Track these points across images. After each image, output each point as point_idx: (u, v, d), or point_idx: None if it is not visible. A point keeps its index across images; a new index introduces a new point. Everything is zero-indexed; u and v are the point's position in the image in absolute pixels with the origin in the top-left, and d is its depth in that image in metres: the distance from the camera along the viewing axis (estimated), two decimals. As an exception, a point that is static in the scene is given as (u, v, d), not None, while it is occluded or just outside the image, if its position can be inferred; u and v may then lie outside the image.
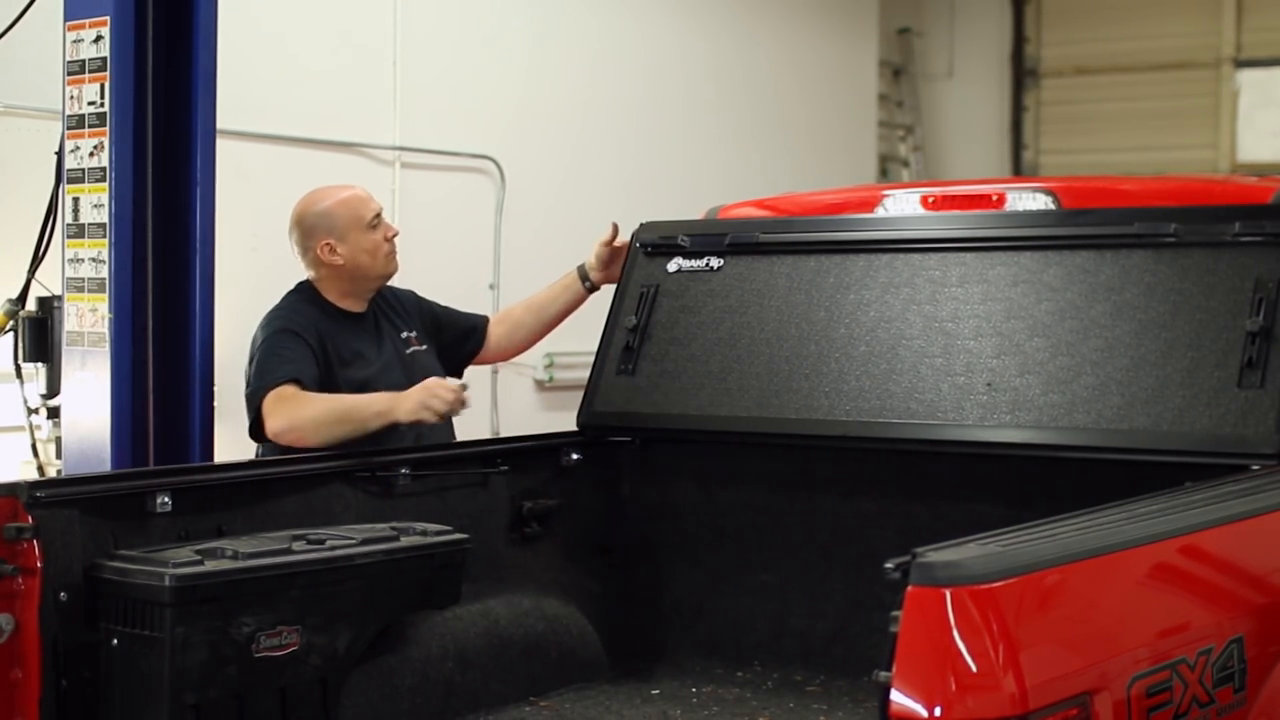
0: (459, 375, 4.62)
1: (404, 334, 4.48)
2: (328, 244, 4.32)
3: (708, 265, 4.36)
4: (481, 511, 4.05)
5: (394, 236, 4.41)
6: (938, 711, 2.23)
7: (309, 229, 4.35)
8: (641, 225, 4.51)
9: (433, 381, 4.08)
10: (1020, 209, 4.22)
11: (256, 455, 4.21)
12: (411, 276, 4.62)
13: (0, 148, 6.21)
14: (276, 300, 4.40)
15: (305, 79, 7.47)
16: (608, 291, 4.60)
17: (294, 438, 4.00)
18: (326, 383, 4.19)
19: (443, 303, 4.72)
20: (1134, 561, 2.66)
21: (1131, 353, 3.68)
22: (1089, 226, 3.90)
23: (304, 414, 4.01)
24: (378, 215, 4.39)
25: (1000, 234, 4.00)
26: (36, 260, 4.56)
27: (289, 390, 4.07)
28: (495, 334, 4.72)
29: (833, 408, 3.99)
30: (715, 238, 4.37)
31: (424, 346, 4.51)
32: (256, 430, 4.11)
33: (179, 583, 3.11)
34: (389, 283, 4.52)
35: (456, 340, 4.66)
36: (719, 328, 4.25)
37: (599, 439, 4.38)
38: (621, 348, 4.36)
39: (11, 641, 3.10)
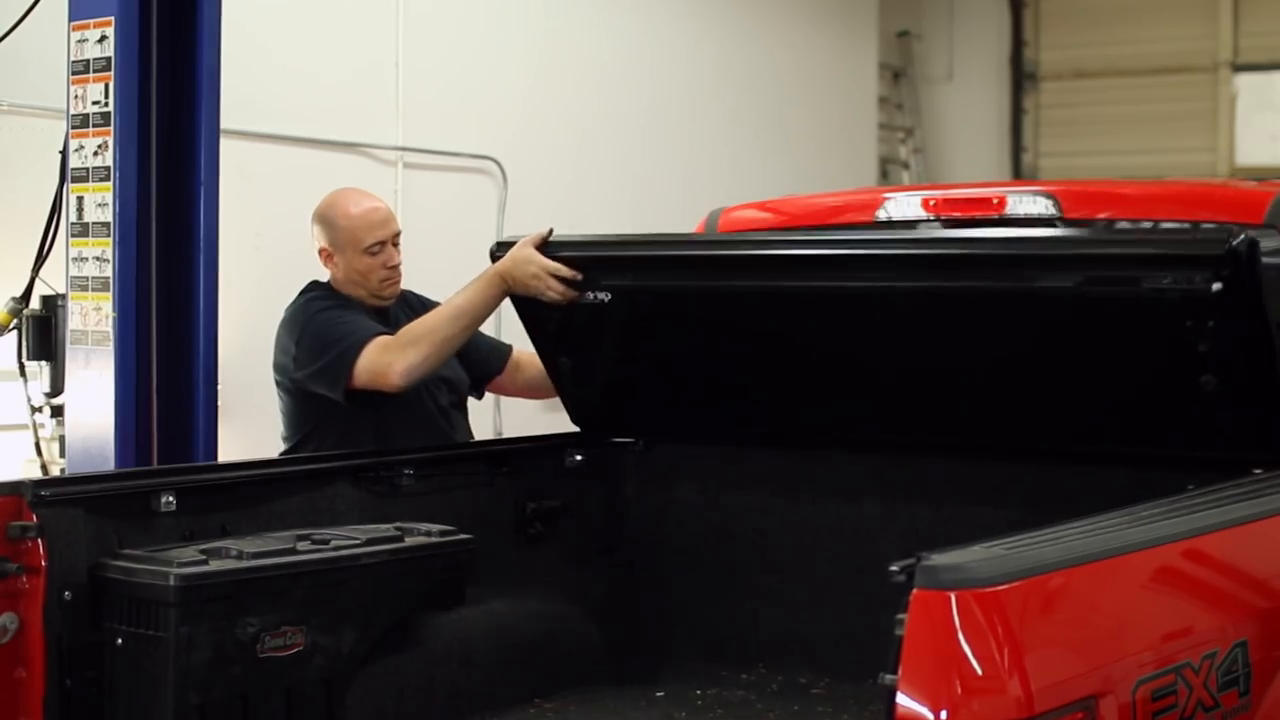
0: (478, 396, 4.63)
1: None
2: (325, 250, 4.35)
3: (596, 299, 4.06)
4: (485, 512, 4.05)
5: (393, 265, 4.34)
6: (944, 715, 2.23)
7: (317, 230, 4.38)
8: (497, 245, 4.20)
9: (547, 263, 3.99)
10: (1020, 213, 4.23)
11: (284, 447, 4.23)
12: (414, 278, 4.62)
13: (4, 147, 6.22)
14: (279, 299, 4.40)
15: (308, 79, 7.48)
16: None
17: (421, 371, 4.06)
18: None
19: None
20: (1138, 565, 2.66)
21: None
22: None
23: (423, 338, 4.03)
24: (380, 243, 4.32)
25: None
26: (40, 259, 4.56)
27: (384, 339, 4.10)
28: (515, 375, 4.66)
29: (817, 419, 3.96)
30: (593, 275, 4.03)
31: None
32: (347, 392, 4.11)
33: (183, 582, 3.11)
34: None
35: (476, 360, 4.60)
36: (643, 357, 4.15)
37: (602, 439, 4.39)
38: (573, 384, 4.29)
39: (16, 640, 3.10)
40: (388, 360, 4.06)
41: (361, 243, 4.30)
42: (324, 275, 4.45)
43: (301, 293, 4.38)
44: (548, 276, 3.99)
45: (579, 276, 3.99)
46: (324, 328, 4.19)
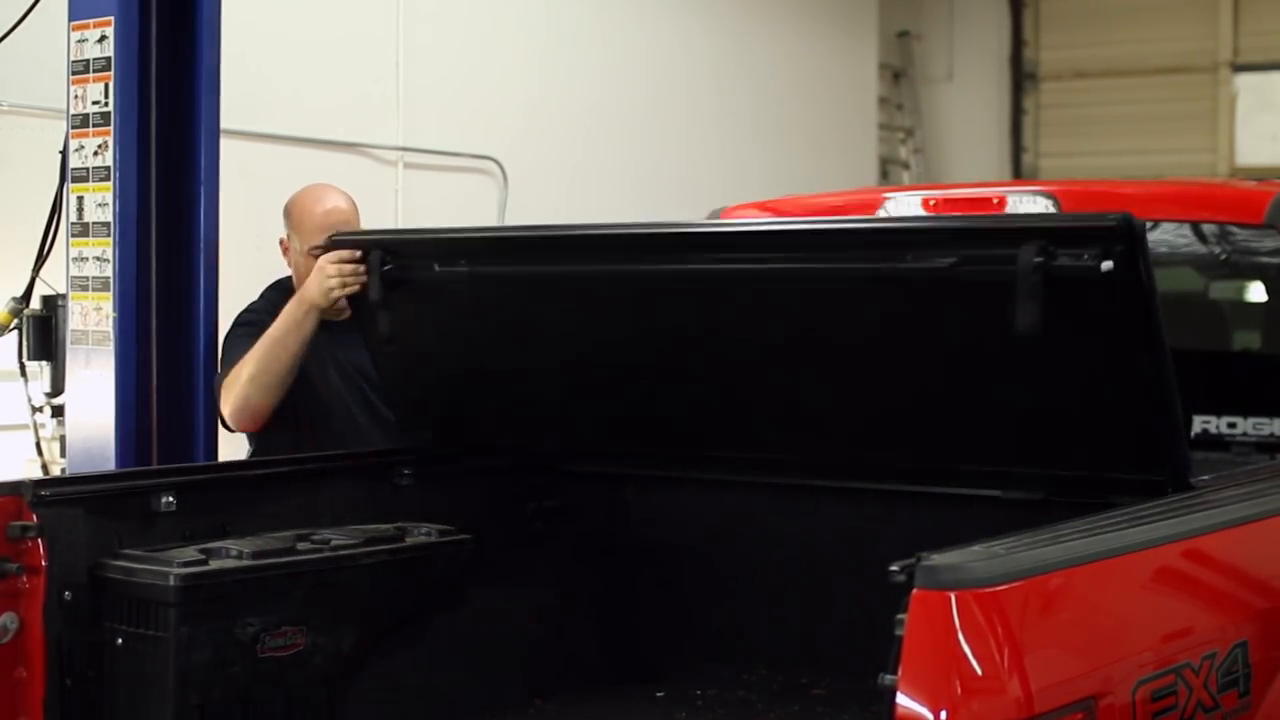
0: None
1: None
2: (283, 242, 4.24)
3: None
4: (485, 512, 4.05)
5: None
6: (943, 715, 2.24)
7: (285, 220, 4.25)
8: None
9: (327, 258, 3.81)
10: (1019, 213, 4.22)
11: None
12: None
13: (5, 147, 6.23)
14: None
15: (309, 79, 7.48)
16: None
17: (248, 410, 3.95)
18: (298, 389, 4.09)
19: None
20: (1138, 565, 2.66)
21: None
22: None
23: (239, 377, 3.94)
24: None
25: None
26: (41, 259, 4.56)
27: (223, 379, 4.03)
28: None
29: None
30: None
31: None
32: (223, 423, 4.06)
33: (183, 582, 3.10)
34: None
35: None
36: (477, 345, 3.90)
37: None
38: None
39: (16, 640, 3.10)
40: (223, 403, 4.00)
41: (306, 244, 4.10)
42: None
43: (261, 294, 4.29)
44: (330, 267, 3.80)
45: (357, 254, 3.77)
46: (224, 354, 4.13)
